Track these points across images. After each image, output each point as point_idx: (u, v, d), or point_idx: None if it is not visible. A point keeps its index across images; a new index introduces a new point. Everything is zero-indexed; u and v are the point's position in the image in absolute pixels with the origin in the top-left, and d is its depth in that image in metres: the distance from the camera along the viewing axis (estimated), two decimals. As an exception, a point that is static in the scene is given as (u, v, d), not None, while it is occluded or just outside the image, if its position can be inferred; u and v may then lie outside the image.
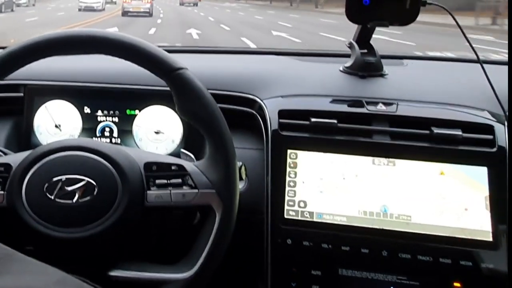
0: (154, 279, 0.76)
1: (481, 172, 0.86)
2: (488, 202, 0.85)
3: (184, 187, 0.76)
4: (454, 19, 1.07)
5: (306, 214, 0.88)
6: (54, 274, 0.38)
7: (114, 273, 0.76)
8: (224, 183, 0.76)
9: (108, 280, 0.75)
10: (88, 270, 0.66)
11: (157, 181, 0.76)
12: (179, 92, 0.76)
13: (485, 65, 0.99)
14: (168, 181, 0.76)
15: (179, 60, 0.76)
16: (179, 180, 0.76)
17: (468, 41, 1.02)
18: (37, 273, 0.38)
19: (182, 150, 0.95)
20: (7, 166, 0.77)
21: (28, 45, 0.75)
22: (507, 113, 0.94)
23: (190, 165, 0.78)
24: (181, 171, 0.77)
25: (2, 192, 0.75)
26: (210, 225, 0.76)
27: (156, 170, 0.77)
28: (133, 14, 22.22)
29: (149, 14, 22.60)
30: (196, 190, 0.76)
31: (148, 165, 0.78)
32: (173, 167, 0.77)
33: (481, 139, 0.89)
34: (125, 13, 22.57)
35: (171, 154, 1.07)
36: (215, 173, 0.76)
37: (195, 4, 41.07)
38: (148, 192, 0.76)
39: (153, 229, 0.85)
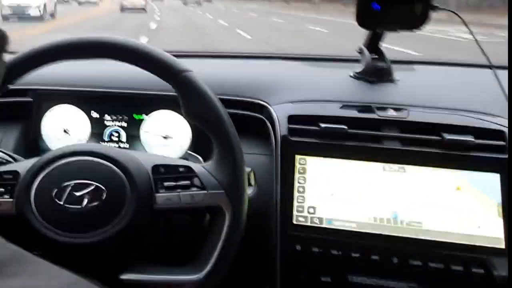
0: (165, 281, 0.76)
1: (493, 179, 0.85)
2: (500, 209, 0.84)
3: (193, 189, 0.76)
4: (464, 23, 1.06)
5: (316, 220, 0.87)
6: (67, 276, 0.38)
7: (125, 276, 0.75)
8: (233, 183, 0.75)
9: (119, 284, 0.74)
10: (99, 275, 0.66)
11: (166, 184, 0.76)
12: (184, 94, 0.76)
13: (497, 70, 0.98)
14: (177, 183, 0.76)
15: (186, 63, 0.76)
16: (188, 182, 0.76)
17: (479, 46, 1.01)
18: (50, 275, 0.38)
19: (189, 152, 0.95)
20: (15, 173, 0.77)
21: (35, 51, 0.75)
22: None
23: (198, 167, 0.78)
24: (189, 172, 0.77)
25: (11, 199, 0.75)
26: (220, 226, 0.75)
27: (164, 173, 0.77)
28: (130, 10, 26.74)
29: (144, 10, 27.05)
30: (204, 191, 0.75)
31: (156, 168, 0.78)
32: (181, 169, 0.77)
33: (493, 145, 0.88)
34: (123, 9, 27.11)
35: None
36: (223, 174, 0.76)
37: (198, 3, 41.86)
38: (157, 194, 0.76)
39: (163, 232, 0.85)
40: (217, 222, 0.76)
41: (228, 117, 0.76)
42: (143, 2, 27.74)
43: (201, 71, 0.78)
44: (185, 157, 1.02)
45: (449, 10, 1.04)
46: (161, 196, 0.76)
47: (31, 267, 0.38)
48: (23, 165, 0.78)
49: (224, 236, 0.75)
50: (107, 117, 1.11)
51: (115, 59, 0.76)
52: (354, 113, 0.96)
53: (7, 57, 0.76)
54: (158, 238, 0.85)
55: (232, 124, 0.76)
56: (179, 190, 0.76)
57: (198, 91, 0.75)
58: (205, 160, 0.93)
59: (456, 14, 1.06)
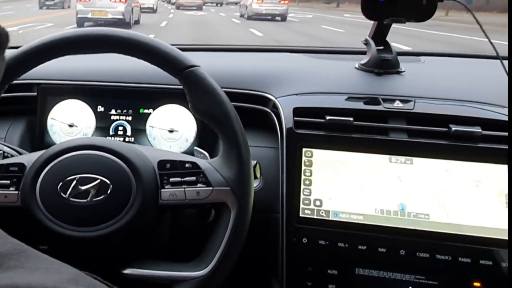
0: (169, 277, 0.75)
1: (500, 170, 0.85)
2: (507, 200, 0.83)
3: (199, 185, 0.75)
4: (473, 14, 1.05)
5: (322, 212, 0.87)
6: (67, 271, 0.38)
7: (128, 271, 0.75)
8: (239, 180, 0.75)
9: (122, 278, 0.74)
10: (102, 269, 0.66)
11: (171, 179, 0.76)
12: (192, 90, 0.75)
13: (504, 61, 0.97)
14: (182, 179, 0.76)
15: (191, 58, 0.75)
16: (193, 178, 0.76)
17: (487, 37, 1.00)
18: (50, 270, 0.38)
19: (196, 148, 0.95)
20: (21, 165, 0.77)
21: (41, 44, 0.75)
22: None
23: (204, 163, 0.77)
24: (195, 168, 0.76)
25: (16, 191, 0.75)
26: (225, 223, 0.75)
27: (170, 168, 0.77)
28: (100, 22, 14.01)
29: (122, 20, 14.16)
30: (210, 188, 0.75)
31: (161, 163, 0.77)
32: (187, 165, 0.77)
33: (500, 136, 0.87)
34: (80, 21, 14.00)
35: (185, 153, 1.06)
36: (229, 170, 0.75)
37: (199, 8, 28.95)
38: (162, 190, 0.75)
39: (167, 227, 0.84)
40: (223, 219, 0.76)
41: (235, 114, 0.76)
42: (120, 6, 14.27)
43: (206, 64, 0.77)
44: (191, 152, 1.02)
45: (456, 1, 1.03)
46: (167, 191, 0.75)
47: (31, 261, 0.38)
48: (29, 158, 0.78)
49: (229, 233, 0.74)
50: (113, 111, 1.11)
51: (121, 53, 0.76)
52: (360, 105, 0.95)
53: (8, 52, 0.76)
54: (163, 234, 0.85)
55: (239, 121, 0.76)
56: (184, 186, 0.75)
57: (206, 87, 0.74)
58: (211, 155, 0.93)
59: (464, 5, 1.05)
